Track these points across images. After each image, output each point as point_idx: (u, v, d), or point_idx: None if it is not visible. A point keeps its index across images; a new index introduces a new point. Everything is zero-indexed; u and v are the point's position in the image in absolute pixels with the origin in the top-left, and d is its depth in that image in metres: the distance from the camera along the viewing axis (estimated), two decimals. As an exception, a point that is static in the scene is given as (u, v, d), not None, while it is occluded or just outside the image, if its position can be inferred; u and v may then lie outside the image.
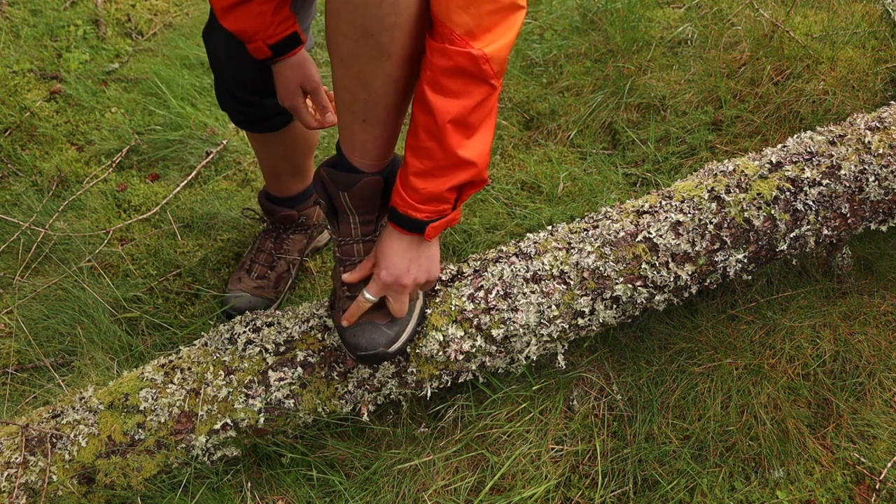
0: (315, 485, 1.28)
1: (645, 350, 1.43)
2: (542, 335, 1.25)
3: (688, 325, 1.45)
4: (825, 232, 1.33)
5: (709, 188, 1.31)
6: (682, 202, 1.30)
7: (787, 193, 1.29)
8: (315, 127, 1.28)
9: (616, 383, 1.39)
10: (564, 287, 1.24)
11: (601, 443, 1.32)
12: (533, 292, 1.23)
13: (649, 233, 1.26)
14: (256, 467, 1.31)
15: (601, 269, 1.24)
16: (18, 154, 2.09)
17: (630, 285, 1.25)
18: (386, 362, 1.21)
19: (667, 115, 1.93)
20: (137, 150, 2.08)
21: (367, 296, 1.13)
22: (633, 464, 1.29)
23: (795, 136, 1.41)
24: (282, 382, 1.21)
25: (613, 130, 1.96)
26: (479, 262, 1.29)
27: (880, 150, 1.32)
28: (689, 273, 1.28)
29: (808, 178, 1.30)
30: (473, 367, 1.27)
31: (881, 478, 1.25)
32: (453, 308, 1.22)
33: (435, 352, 1.21)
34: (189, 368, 1.24)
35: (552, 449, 1.31)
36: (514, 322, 1.22)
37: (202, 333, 1.33)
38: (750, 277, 1.41)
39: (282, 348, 1.24)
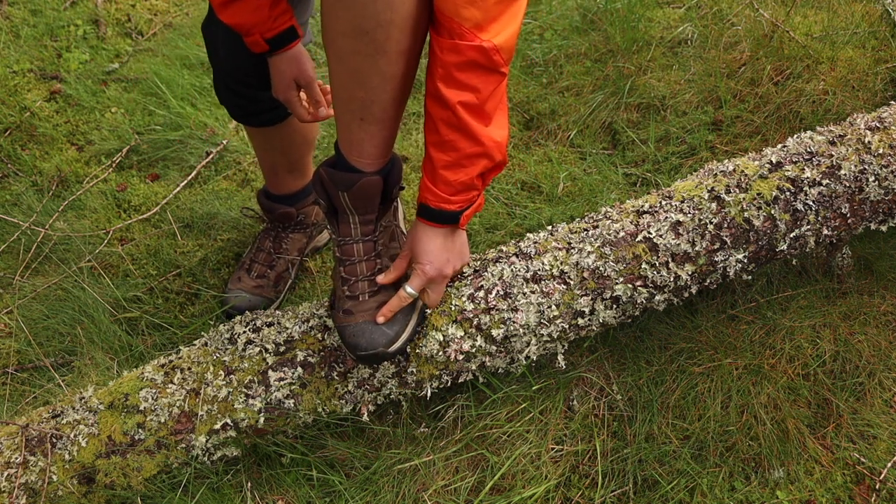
0: (315, 485, 1.28)
1: (645, 350, 1.43)
2: (542, 335, 1.25)
3: (688, 325, 1.45)
4: (825, 232, 1.33)
5: (709, 188, 1.31)
6: (682, 202, 1.30)
7: (787, 193, 1.29)
8: (308, 120, 1.31)
9: (616, 383, 1.39)
10: (564, 287, 1.24)
11: (601, 443, 1.32)
12: (533, 292, 1.23)
13: (649, 233, 1.26)
14: (256, 467, 1.31)
15: (601, 269, 1.24)
16: (18, 154, 2.10)
17: (630, 285, 1.25)
18: (386, 362, 1.21)
19: (667, 115, 1.93)
20: (137, 150, 2.08)
21: (410, 290, 1.15)
22: (633, 464, 1.29)
23: (795, 136, 1.41)
24: (282, 382, 1.21)
25: (613, 130, 1.96)
26: (479, 262, 1.29)
27: (880, 150, 1.32)
28: (689, 273, 1.28)
29: (808, 178, 1.30)
30: (473, 367, 1.27)
31: (881, 478, 1.25)
32: (453, 308, 1.22)
33: (435, 352, 1.21)
34: (189, 368, 1.24)
35: (552, 449, 1.31)
36: (514, 322, 1.22)
37: (202, 333, 1.33)
38: (750, 277, 1.41)
39: (282, 348, 1.24)
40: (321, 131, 2.02)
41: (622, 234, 1.27)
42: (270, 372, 1.22)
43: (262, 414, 1.21)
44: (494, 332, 1.21)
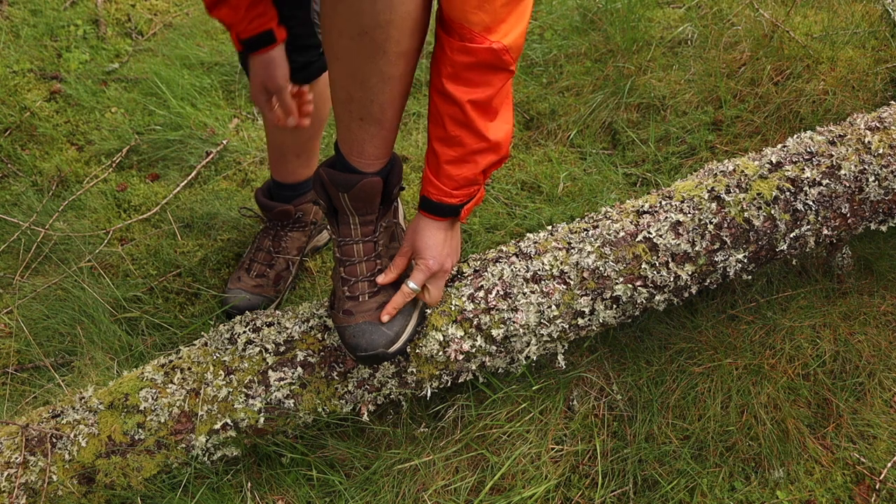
0: (315, 485, 1.28)
1: (645, 350, 1.43)
2: (542, 335, 1.25)
3: (688, 325, 1.45)
4: (825, 232, 1.33)
5: (709, 188, 1.31)
6: (682, 202, 1.30)
7: (787, 193, 1.29)
8: (277, 124, 1.36)
9: (616, 383, 1.39)
10: (564, 287, 1.24)
11: (601, 443, 1.32)
12: (533, 292, 1.23)
13: (649, 233, 1.26)
14: (256, 467, 1.31)
15: (601, 269, 1.24)
16: (18, 154, 2.10)
17: (630, 285, 1.25)
18: (386, 362, 1.21)
19: (667, 115, 1.93)
20: (137, 150, 2.08)
21: (412, 285, 1.15)
22: (633, 464, 1.29)
23: (795, 136, 1.41)
24: (282, 382, 1.21)
25: (613, 130, 1.96)
26: (479, 262, 1.29)
27: (880, 150, 1.32)
28: (689, 273, 1.28)
29: (808, 178, 1.30)
30: (473, 367, 1.27)
31: (881, 478, 1.25)
32: (453, 308, 1.22)
33: (435, 352, 1.21)
34: (189, 368, 1.24)
35: (552, 449, 1.31)
36: (514, 322, 1.22)
37: (202, 333, 1.33)
38: (750, 277, 1.41)
39: (282, 348, 1.24)
40: (324, 129, 2.02)
41: (622, 234, 1.27)
42: (270, 372, 1.22)
43: (262, 414, 1.21)
44: (494, 332, 1.21)
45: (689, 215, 1.28)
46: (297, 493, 1.28)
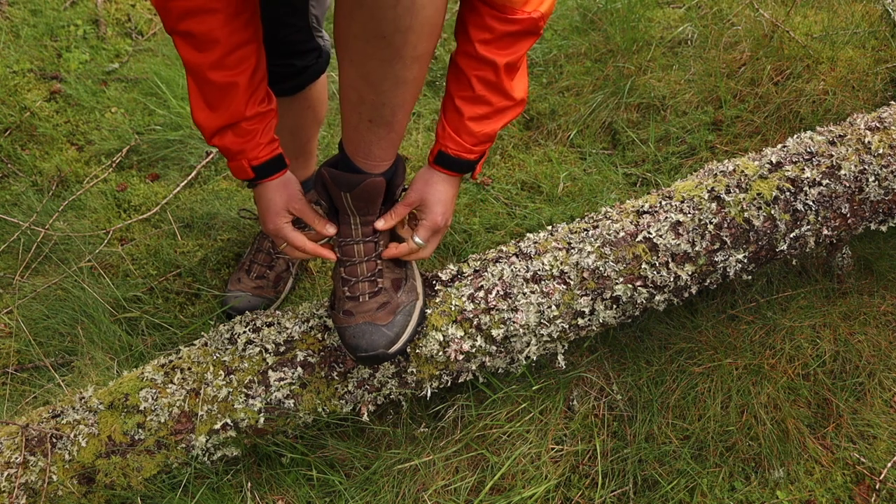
0: (315, 485, 1.28)
1: (645, 350, 1.43)
2: (542, 335, 1.25)
3: (688, 325, 1.45)
4: (825, 232, 1.33)
5: (709, 188, 1.31)
6: (682, 202, 1.30)
7: (787, 193, 1.29)
8: (311, 253, 1.18)
9: (616, 383, 1.39)
10: (564, 287, 1.24)
11: (601, 443, 1.32)
12: (533, 292, 1.23)
13: (649, 233, 1.26)
14: (256, 467, 1.31)
15: (601, 269, 1.24)
16: (18, 154, 2.09)
17: (630, 285, 1.25)
18: (386, 362, 1.21)
19: (667, 115, 1.93)
20: (137, 150, 2.08)
21: (418, 240, 1.17)
22: (633, 464, 1.29)
23: (795, 136, 1.41)
24: (282, 382, 1.21)
25: (613, 130, 1.96)
26: (479, 262, 1.29)
27: (880, 150, 1.32)
28: (689, 273, 1.28)
29: (808, 178, 1.30)
30: (473, 367, 1.27)
31: (881, 478, 1.25)
32: (453, 308, 1.22)
33: (435, 352, 1.21)
34: (189, 368, 1.24)
35: (552, 449, 1.31)
36: (514, 322, 1.22)
37: (202, 333, 1.33)
38: (750, 277, 1.41)
39: (282, 348, 1.24)
40: (321, 131, 2.02)
41: (622, 234, 1.27)
42: (270, 372, 1.22)
43: (262, 414, 1.21)
44: (494, 332, 1.21)
45: (689, 215, 1.28)
46: (297, 493, 1.28)
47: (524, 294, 1.22)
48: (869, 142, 1.33)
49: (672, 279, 1.27)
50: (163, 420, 1.20)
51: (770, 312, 1.46)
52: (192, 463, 1.23)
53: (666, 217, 1.28)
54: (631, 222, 1.29)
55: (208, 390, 1.21)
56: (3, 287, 1.72)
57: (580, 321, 1.26)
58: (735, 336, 1.43)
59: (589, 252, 1.25)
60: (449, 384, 1.29)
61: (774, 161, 1.33)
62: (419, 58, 0.96)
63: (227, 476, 1.28)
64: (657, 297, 1.29)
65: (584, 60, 2.14)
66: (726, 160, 1.39)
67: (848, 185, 1.31)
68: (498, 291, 1.23)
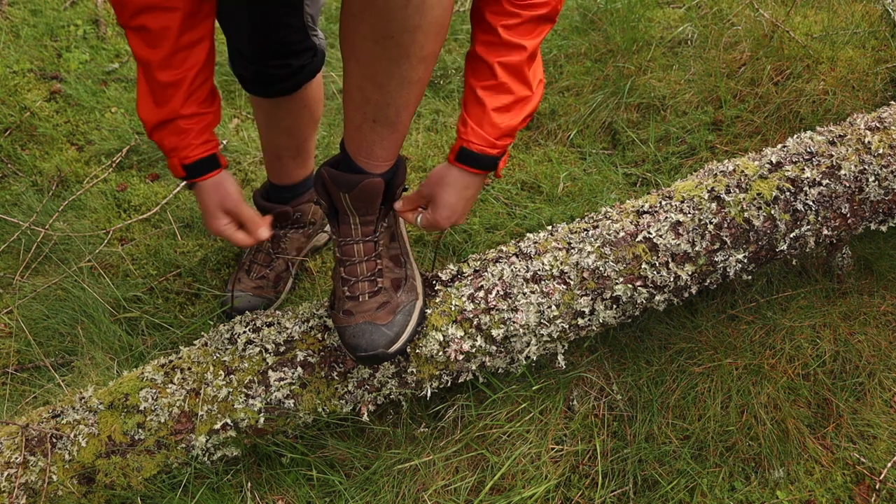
0: (315, 485, 1.28)
1: (645, 350, 1.43)
2: (542, 335, 1.25)
3: (688, 325, 1.45)
4: (825, 232, 1.33)
5: (709, 188, 1.31)
6: (682, 202, 1.30)
7: (787, 193, 1.29)
8: (245, 244, 1.22)
9: (616, 383, 1.39)
10: (564, 287, 1.24)
11: (601, 443, 1.32)
12: (533, 292, 1.23)
13: (649, 233, 1.26)
14: (256, 467, 1.31)
15: (601, 269, 1.24)
16: (18, 154, 2.09)
17: (630, 285, 1.25)
18: (386, 362, 1.21)
19: (667, 115, 1.93)
20: (137, 150, 2.08)
21: (418, 221, 1.18)
22: (633, 464, 1.29)
23: (795, 136, 1.41)
24: (282, 382, 1.21)
25: (613, 130, 1.96)
26: (479, 262, 1.29)
27: (880, 150, 1.32)
28: (689, 273, 1.28)
29: (808, 178, 1.30)
30: (473, 367, 1.27)
31: (881, 478, 1.25)
32: (453, 308, 1.22)
33: (435, 352, 1.21)
34: (189, 368, 1.24)
35: (552, 449, 1.31)
36: (514, 322, 1.22)
37: (202, 333, 1.33)
38: (750, 277, 1.41)
39: (282, 348, 1.24)
40: (321, 130, 2.02)
41: (622, 234, 1.27)
42: (270, 372, 1.22)
43: (262, 414, 1.21)
44: (494, 332, 1.21)
45: (689, 215, 1.28)
46: (297, 493, 1.28)
47: (524, 294, 1.22)
48: (869, 142, 1.33)
49: (672, 279, 1.27)
50: (163, 420, 1.20)
51: (770, 312, 1.46)
52: (192, 463, 1.23)
53: (666, 217, 1.28)
54: (631, 222, 1.29)
55: (208, 390, 1.21)
56: (3, 287, 1.72)
57: (580, 321, 1.26)
58: (735, 336, 1.43)
59: (589, 252, 1.25)
60: (449, 384, 1.29)
61: (774, 161, 1.33)
62: (426, 58, 0.96)
63: (227, 476, 1.28)
64: (657, 297, 1.29)
65: (584, 60, 2.14)
66: (726, 160, 1.39)
67: (848, 185, 1.31)
68: (498, 291, 1.23)
